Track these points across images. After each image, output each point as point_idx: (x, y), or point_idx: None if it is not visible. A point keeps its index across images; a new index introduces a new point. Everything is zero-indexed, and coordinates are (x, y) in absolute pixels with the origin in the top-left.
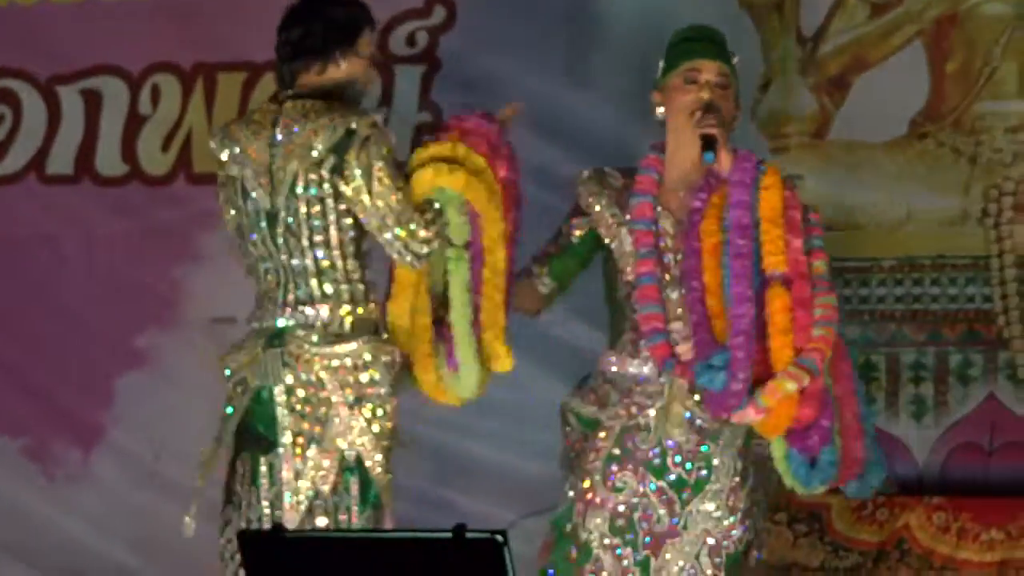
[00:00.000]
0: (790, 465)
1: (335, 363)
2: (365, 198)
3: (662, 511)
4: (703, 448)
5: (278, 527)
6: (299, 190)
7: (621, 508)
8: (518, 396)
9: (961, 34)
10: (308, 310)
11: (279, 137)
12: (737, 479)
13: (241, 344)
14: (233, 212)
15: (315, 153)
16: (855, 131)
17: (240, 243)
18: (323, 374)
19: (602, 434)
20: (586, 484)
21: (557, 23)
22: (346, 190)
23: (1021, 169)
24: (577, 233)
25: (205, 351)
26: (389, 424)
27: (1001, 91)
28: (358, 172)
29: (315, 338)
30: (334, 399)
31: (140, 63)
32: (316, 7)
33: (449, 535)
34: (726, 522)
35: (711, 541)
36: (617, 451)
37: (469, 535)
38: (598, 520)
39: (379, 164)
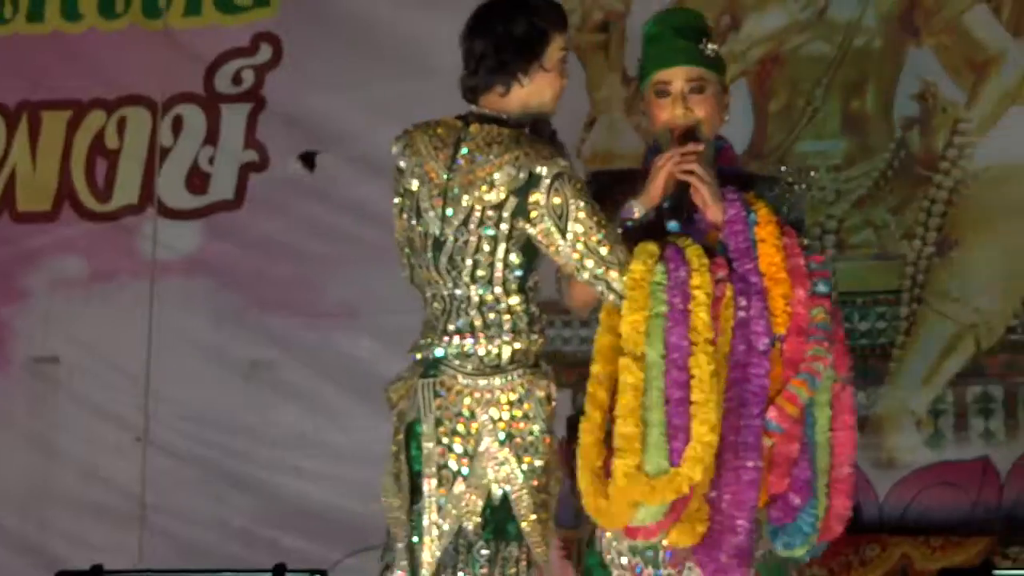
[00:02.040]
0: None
1: (487, 396)
2: (558, 240)
3: None
4: None
5: (97, 567)
6: (472, 226)
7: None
8: (342, 436)
9: (784, 74)
10: (467, 340)
11: (459, 162)
12: None
13: (402, 374)
14: (404, 224)
15: (495, 195)
16: None
17: (408, 256)
18: (475, 407)
19: None
20: None
21: (386, 60)
22: (533, 232)
23: (843, 207)
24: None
25: (30, 390)
26: (540, 463)
27: (824, 130)
28: (546, 215)
29: (469, 368)
30: (484, 434)
31: None
32: (496, 18)
33: (269, 573)
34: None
35: None
36: None
37: (289, 573)
38: (613, 537)
39: (573, 204)
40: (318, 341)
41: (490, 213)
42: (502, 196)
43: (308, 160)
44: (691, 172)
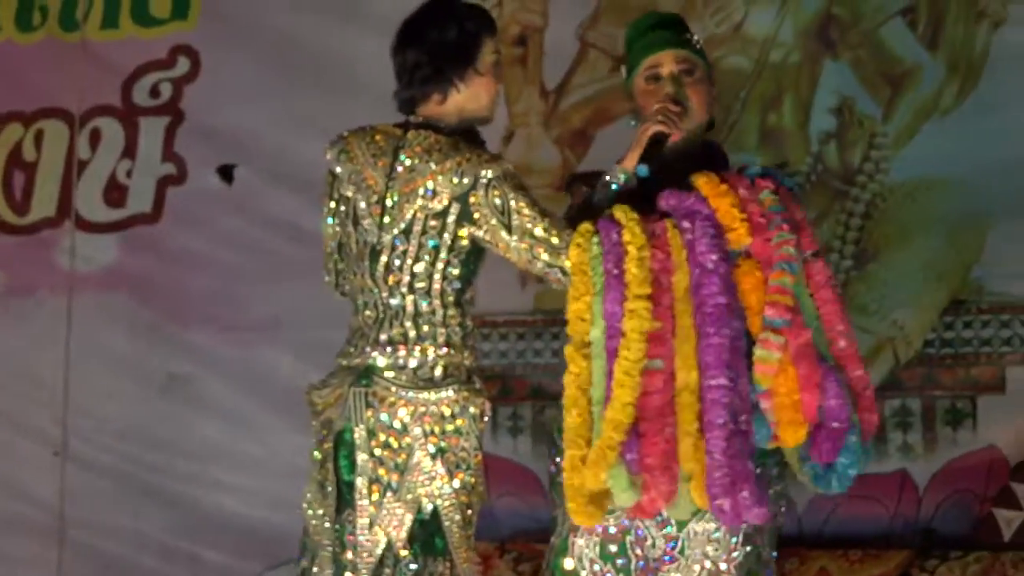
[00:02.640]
0: (809, 475)
1: (421, 410)
2: (505, 236)
3: (656, 535)
4: None
5: None
6: (414, 235)
7: (612, 531)
8: (262, 449)
9: None
10: (400, 351)
11: (399, 170)
12: None
13: (329, 380)
14: (339, 230)
15: (437, 202)
16: None
17: (335, 262)
18: (408, 420)
19: None
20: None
21: (305, 73)
22: (480, 234)
23: None
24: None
25: None
26: (470, 479)
27: (742, 143)
28: (489, 214)
29: (403, 380)
30: (416, 447)
31: None
32: (426, 26)
33: None
34: (726, 545)
35: (709, 565)
36: None
37: None
38: (588, 544)
39: (513, 199)
40: (237, 355)
41: (433, 223)
42: (445, 203)
43: (226, 173)
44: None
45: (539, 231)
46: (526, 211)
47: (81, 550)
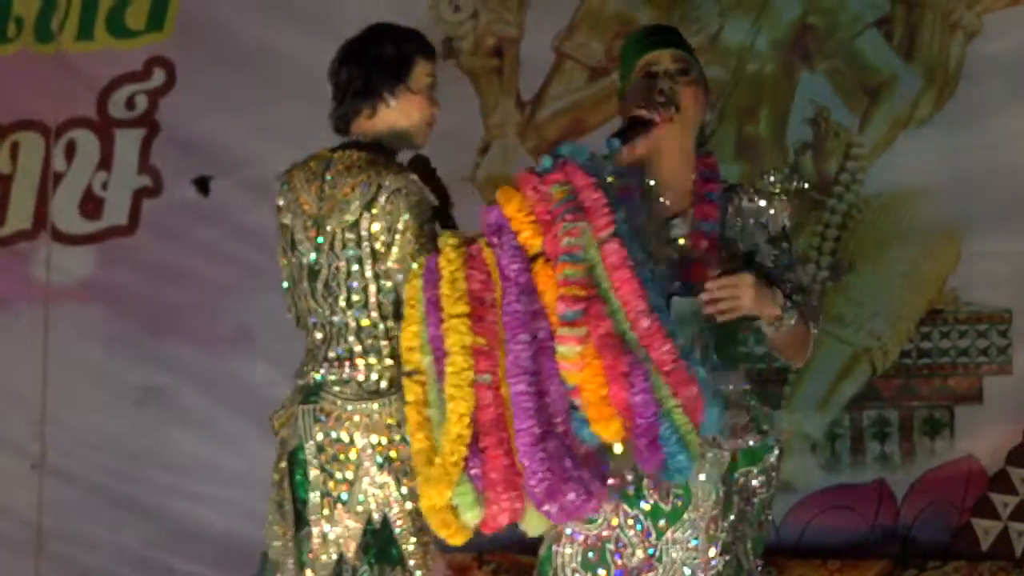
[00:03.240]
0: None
1: (366, 421)
2: (395, 251)
3: (636, 543)
4: None
5: None
6: (338, 249)
7: (593, 540)
8: (239, 461)
9: None
10: (346, 366)
11: (326, 190)
12: (717, 509)
13: (285, 402)
14: (285, 261)
15: (350, 215)
16: None
17: (291, 296)
18: (354, 432)
19: None
20: None
21: (281, 84)
22: (378, 246)
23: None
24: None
25: None
26: None
27: (718, 154)
28: (381, 220)
29: (349, 393)
30: (364, 459)
31: None
32: (363, 45)
33: None
34: (703, 553)
35: (687, 572)
36: None
37: None
38: (569, 553)
39: (405, 217)
40: (213, 366)
41: (349, 235)
42: (357, 214)
43: (202, 185)
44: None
45: (415, 252)
46: (409, 235)
47: (59, 562)
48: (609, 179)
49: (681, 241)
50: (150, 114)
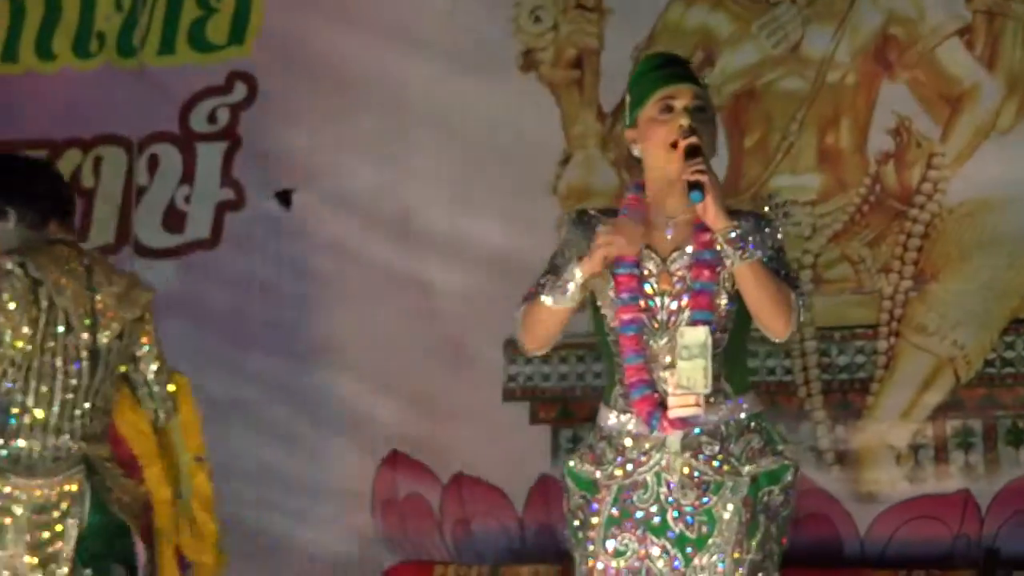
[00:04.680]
0: None
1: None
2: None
3: (666, 572)
4: (704, 501)
5: None
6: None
7: (624, 573)
8: (324, 474)
9: (758, 109)
10: None
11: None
12: (742, 532)
13: None
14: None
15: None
16: None
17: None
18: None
19: (601, 495)
20: (590, 551)
21: (360, 97)
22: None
23: (819, 242)
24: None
25: None
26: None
27: (798, 165)
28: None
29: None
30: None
31: None
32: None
33: None
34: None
35: None
36: (616, 512)
37: None
38: None
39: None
40: (296, 379)
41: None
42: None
43: (284, 198)
44: (700, 175)
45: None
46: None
47: None
48: None
49: (682, 273)
50: (232, 128)
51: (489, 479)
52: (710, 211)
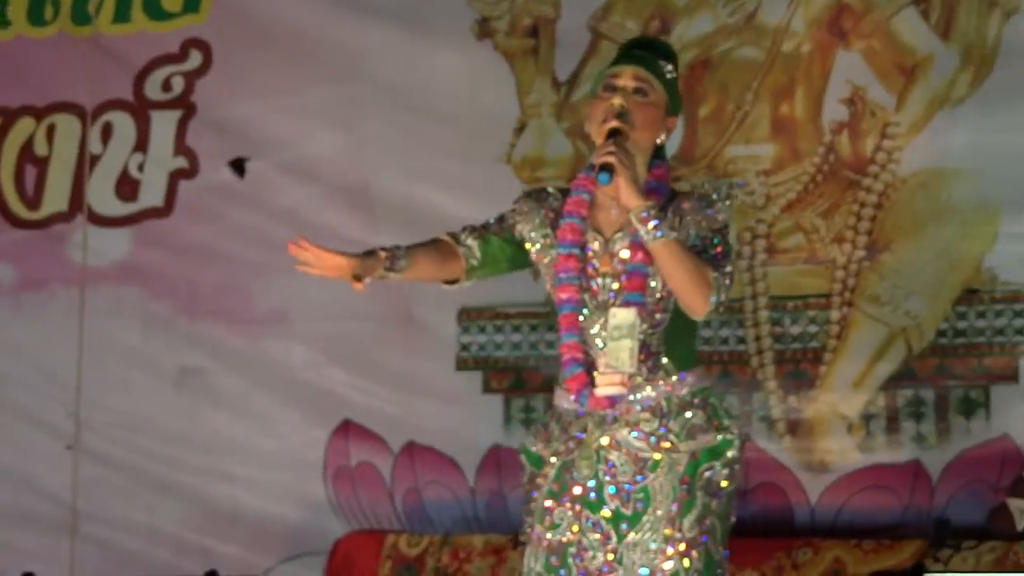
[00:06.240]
0: None
1: None
2: None
3: (598, 547)
4: (639, 478)
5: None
6: None
7: (556, 546)
8: (277, 443)
9: (714, 79)
10: None
11: None
12: (676, 509)
13: None
14: None
15: None
16: None
17: None
18: None
19: (545, 470)
20: (528, 522)
21: (316, 65)
22: None
23: (773, 211)
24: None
25: None
26: None
27: (753, 135)
28: None
29: None
30: None
31: None
32: None
33: None
34: (660, 554)
35: (644, 573)
36: (556, 487)
37: None
38: (533, 560)
39: None
40: (249, 348)
41: None
42: None
43: (238, 167)
44: (609, 156)
45: None
46: None
47: (94, 543)
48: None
49: (624, 254)
50: (186, 96)
51: (441, 448)
52: (622, 191)
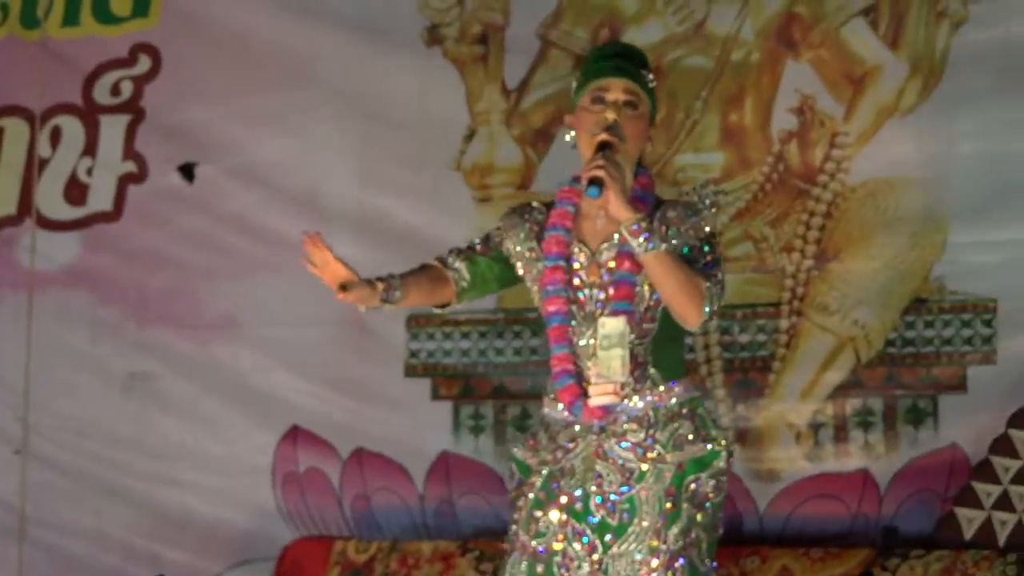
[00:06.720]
0: None
1: None
2: None
3: (583, 557)
4: (624, 489)
5: None
6: None
7: (541, 554)
8: (226, 449)
9: (663, 87)
10: None
11: None
12: (661, 520)
13: None
14: None
15: None
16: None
17: None
18: None
19: (532, 479)
20: (513, 531)
21: (266, 70)
22: None
23: (722, 220)
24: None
25: None
26: None
27: (702, 143)
28: None
29: None
30: None
31: None
32: None
33: None
34: (645, 565)
35: None
36: (543, 495)
37: None
38: (516, 567)
39: None
40: (198, 353)
41: None
42: None
43: (187, 171)
44: (598, 170)
45: None
46: None
47: (42, 549)
48: None
49: (611, 264)
50: (135, 100)
51: (390, 455)
52: (612, 204)
